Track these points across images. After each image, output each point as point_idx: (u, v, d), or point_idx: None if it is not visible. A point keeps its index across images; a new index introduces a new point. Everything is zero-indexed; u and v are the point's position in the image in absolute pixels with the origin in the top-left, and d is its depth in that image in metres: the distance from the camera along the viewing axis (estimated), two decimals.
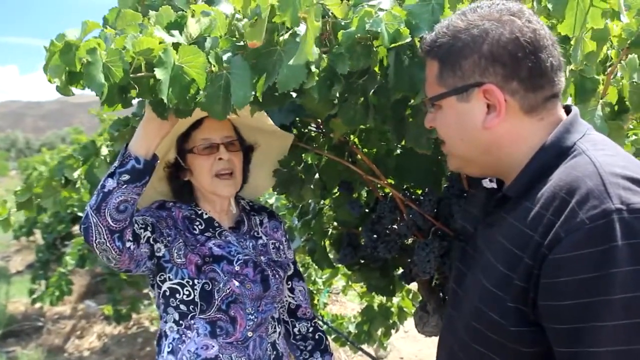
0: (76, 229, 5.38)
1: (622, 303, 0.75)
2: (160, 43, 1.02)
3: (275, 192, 1.85)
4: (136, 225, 1.34)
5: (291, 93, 1.16)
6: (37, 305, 5.34)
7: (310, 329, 1.66)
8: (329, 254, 2.02)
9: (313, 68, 0.99)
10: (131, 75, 1.05)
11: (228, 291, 1.42)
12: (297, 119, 1.58)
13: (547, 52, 0.88)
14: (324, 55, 1.05)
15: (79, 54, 1.01)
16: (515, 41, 0.87)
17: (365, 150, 1.66)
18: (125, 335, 5.02)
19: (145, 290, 5.20)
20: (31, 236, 6.77)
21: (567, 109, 0.96)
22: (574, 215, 0.78)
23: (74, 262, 4.49)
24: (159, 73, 1.00)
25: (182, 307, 1.41)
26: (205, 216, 1.51)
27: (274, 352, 1.51)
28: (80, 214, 4.41)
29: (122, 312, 4.69)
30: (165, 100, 1.02)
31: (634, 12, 1.20)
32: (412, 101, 1.27)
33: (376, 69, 1.13)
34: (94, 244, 1.27)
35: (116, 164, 1.27)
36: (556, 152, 0.89)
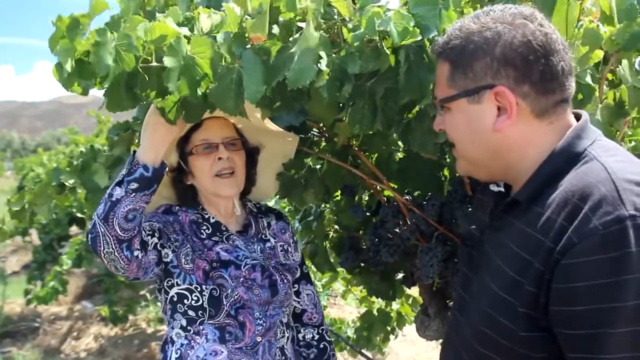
0: (73, 230, 5.37)
1: (635, 309, 0.75)
2: (173, 31, 1.01)
3: (276, 196, 1.85)
4: (143, 232, 1.32)
5: (299, 97, 1.17)
6: (33, 305, 5.33)
7: (316, 337, 1.63)
8: (330, 257, 2.03)
9: (323, 66, 1.00)
10: (141, 65, 1.03)
11: (236, 297, 1.40)
12: (303, 121, 1.58)
13: (559, 56, 0.89)
14: (333, 56, 1.05)
15: (87, 33, 0.99)
16: (527, 44, 0.87)
17: (367, 154, 1.67)
18: (121, 336, 5.00)
19: (142, 292, 5.20)
20: (27, 236, 6.75)
21: (577, 115, 0.97)
22: (587, 221, 0.79)
23: (70, 261, 4.48)
24: (168, 61, 0.99)
25: (191, 312, 1.40)
26: (212, 220, 1.49)
27: (283, 357, 1.50)
28: (78, 214, 4.41)
29: (119, 313, 4.68)
30: (173, 89, 1.01)
31: (619, 15, 1.22)
32: (417, 107, 1.29)
33: (385, 71, 1.14)
34: (102, 254, 1.24)
35: (124, 172, 1.25)
36: (567, 158, 0.89)
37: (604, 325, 0.77)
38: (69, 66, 1.01)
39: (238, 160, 1.47)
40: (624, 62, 1.21)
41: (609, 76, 1.32)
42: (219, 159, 1.43)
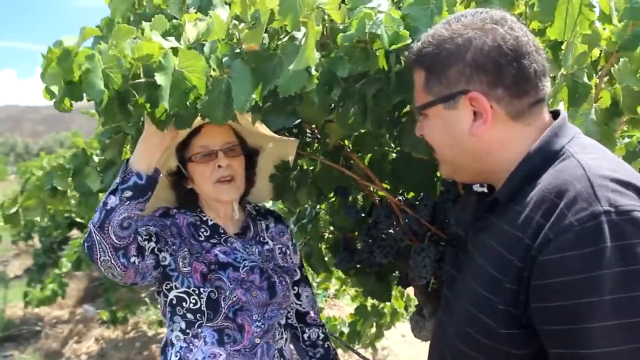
0: (73, 233, 5.38)
1: (611, 304, 0.75)
2: (160, 49, 1.02)
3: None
4: (140, 237, 1.33)
5: (290, 100, 1.16)
6: (35, 309, 5.34)
7: (321, 337, 1.66)
8: (325, 258, 2.03)
9: (313, 71, 1.00)
10: (130, 82, 1.04)
11: (234, 299, 1.41)
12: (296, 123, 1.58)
13: (530, 59, 0.90)
14: (322, 59, 1.06)
15: (77, 60, 1.00)
16: (497, 49, 0.88)
17: (360, 155, 1.66)
18: (122, 339, 5.01)
19: (143, 295, 5.20)
20: (30, 241, 6.77)
21: (555, 114, 0.97)
22: (562, 218, 0.79)
23: (70, 264, 4.49)
24: (159, 79, 0.99)
25: (189, 315, 1.40)
26: (210, 223, 1.50)
27: (281, 359, 1.51)
28: (78, 219, 4.41)
29: (118, 314, 4.69)
30: (167, 107, 1.02)
31: (620, 15, 1.21)
32: (407, 107, 1.28)
33: (375, 72, 1.13)
34: (99, 262, 1.26)
35: (118, 180, 1.26)
36: (545, 156, 0.90)
37: (582, 320, 0.77)
38: (57, 90, 1.02)
39: (237, 166, 1.47)
40: (621, 61, 1.21)
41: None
42: (219, 166, 1.43)
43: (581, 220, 0.77)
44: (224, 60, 1.05)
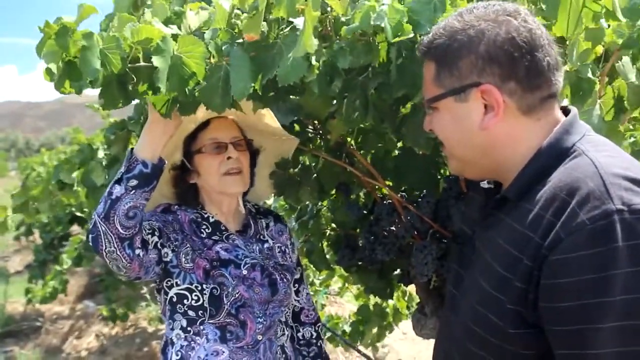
0: (74, 229, 5.38)
1: (622, 304, 0.74)
2: (159, 32, 1.01)
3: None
4: (143, 231, 1.32)
5: (292, 90, 1.16)
6: (35, 304, 5.34)
7: (314, 335, 1.66)
8: (327, 256, 2.02)
9: (313, 61, 0.99)
10: (129, 65, 1.03)
11: (237, 295, 1.40)
12: (295, 118, 1.57)
13: (544, 52, 0.88)
14: (324, 50, 1.05)
15: (74, 37, 0.99)
16: (511, 41, 0.86)
17: (362, 151, 1.66)
18: (123, 335, 5.01)
19: (143, 291, 5.20)
20: (30, 236, 6.77)
21: (565, 110, 0.96)
22: (574, 216, 0.78)
23: (70, 260, 4.49)
24: (157, 61, 0.99)
25: (191, 312, 1.40)
26: (211, 220, 1.50)
27: (283, 356, 1.51)
28: (78, 214, 4.41)
29: (118, 311, 4.69)
30: (164, 90, 1.01)
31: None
32: (411, 101, 1.27)
33: (377, 65, 1.12)
34: (104, 253, 1.25)
35: (122, 169, 1.25)
36: (555, 153, 0.88)
37: (591, 320, 0.76)
38: (55, 69, 1.01)
39: (244, 160, 1.48)
40: (625, 59, 1.20)
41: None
42: (228, 158, 1.44)
43: (593, 218, 0.76)
44: (223, 47, 1.04)
